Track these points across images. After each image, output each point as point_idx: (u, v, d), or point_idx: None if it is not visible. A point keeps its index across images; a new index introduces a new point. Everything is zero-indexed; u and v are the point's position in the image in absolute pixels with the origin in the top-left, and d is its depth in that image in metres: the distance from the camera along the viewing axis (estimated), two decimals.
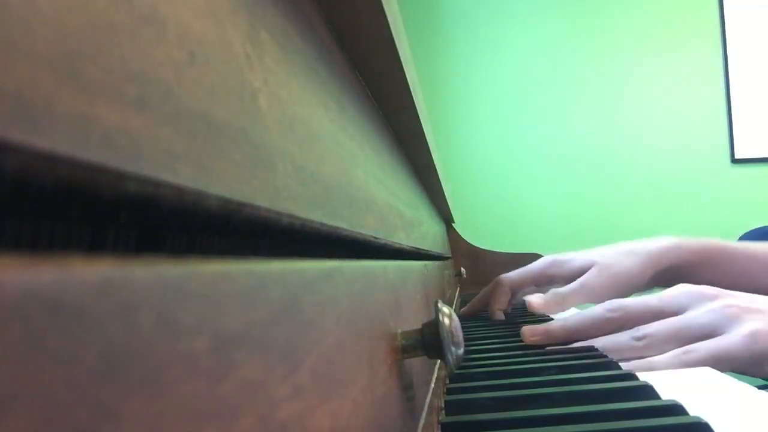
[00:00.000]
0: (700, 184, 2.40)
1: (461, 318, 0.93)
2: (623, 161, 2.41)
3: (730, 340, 0.54)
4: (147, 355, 0.09)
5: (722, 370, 0.53)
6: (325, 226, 0.22)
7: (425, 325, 0.30)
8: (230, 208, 0.14)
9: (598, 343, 0.61)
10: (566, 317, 0.67)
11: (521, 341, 0.67)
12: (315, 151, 0.22)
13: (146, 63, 0.11)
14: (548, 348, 0.63)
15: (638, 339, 0.59)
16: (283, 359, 0.14)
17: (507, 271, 0.98)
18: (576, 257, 0.92)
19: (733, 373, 0.53)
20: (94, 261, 0.08)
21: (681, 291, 0.62)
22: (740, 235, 2.28)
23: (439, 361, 0.44)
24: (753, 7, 2.43)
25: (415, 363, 0.35)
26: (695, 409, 0.37)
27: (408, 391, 0.31)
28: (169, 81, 0.11)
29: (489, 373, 0.52)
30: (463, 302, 1.22)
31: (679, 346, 0.57)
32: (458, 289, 1.40)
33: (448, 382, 0.50)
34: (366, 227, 0.31)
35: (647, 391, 0.43)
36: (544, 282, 0.95)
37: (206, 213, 0.13)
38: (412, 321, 0.38)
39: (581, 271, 0.89)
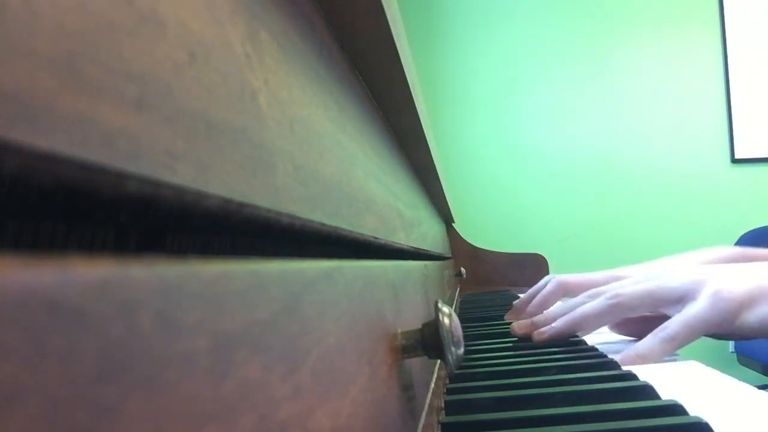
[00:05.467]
0: (700, 184, 2.40)
1: (462, 318, 0.93)
2: (623, 161, 2.41)
3: (697, 304, 0.57)
4: (147, 355, 0.09)
5: (703, 334, 0.56)
6: (325, 226, 0.22)
7: (425, 325, 0.30)
8: (230, 208, 0.14)
9: (576, 315, 0.64)
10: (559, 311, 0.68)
11: (521, 341, 0.67)
12: (315, 151, 0.22)
13: (146, 63, 0.11)
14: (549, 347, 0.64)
15: (611, 298, 0.62)
16: (283, 359, 0.14)
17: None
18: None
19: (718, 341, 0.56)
20: (94, 261, 0.08)
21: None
22: (740, 235, 2.28)
23: (439, 361, 0.44)
24: (753, 6, 2.43)
25: (415, 363, 0.35)
26: (695, 409, 0.37)
27: (408, 391, 0.31)
28: (169, 81, 0.11)
29: (489, 373, 0.52)
30: (463, 302, 1.23)
31: (651, 310, 0.61)
32: (458, 289, 1.41)
33: (448, 382, 0.50)
34: (366, 227, 0.31)
35: (647, 391, 0.43)
36: None
37: (206, 213, 0.13)
38: (412, 321, 0.38)
39: None
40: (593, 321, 0.64)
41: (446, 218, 1.64)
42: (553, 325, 0.65)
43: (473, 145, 2.43)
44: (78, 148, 0.08)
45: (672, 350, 0.57)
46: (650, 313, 0.66)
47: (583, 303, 0.66)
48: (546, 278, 0.93)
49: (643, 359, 0.57)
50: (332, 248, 0.28)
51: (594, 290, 0.67)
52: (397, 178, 0.54)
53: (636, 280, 0.65)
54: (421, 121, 0.55)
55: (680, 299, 0.59)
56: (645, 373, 0.49)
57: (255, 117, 0.16)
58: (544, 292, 0.91)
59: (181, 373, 0.09)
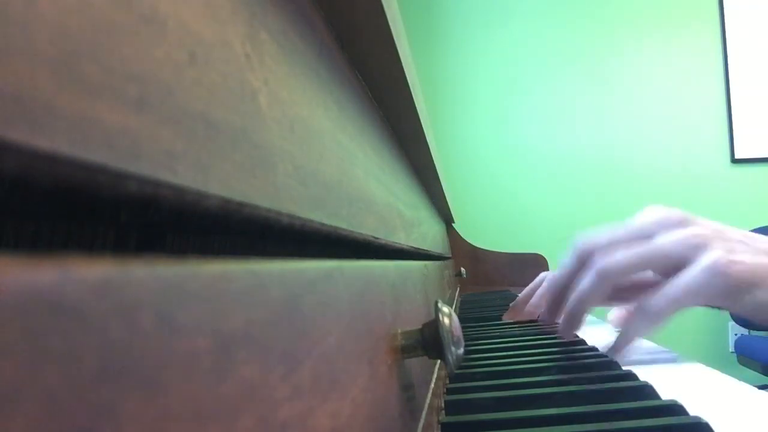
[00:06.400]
0: (700, 184, 2.40)
1: (461, 318, 0.93)
2: (623, 161, 2.41)
3: (691, 274, 0.51)
4: (147, 355, 0.09)
5: (698, 304, 0.51)
6: (325, 226, 0.22)
7: (425, 325, 0.30)
8: (230, 208, 0.14)
9: (573, 304, 0.59)
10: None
11: (521, 341, 0.67)
12: (315, 151, 0.22)
13: (146, 63, 0.11)
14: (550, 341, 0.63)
15: (600, 273, 0.56)
16: (283, 359, 0.14)
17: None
18: None
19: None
20: (94, 261, 0.08)
21: (649, 217, 0.59)
22: None
23: (439, 361, 0.44)
24: (753, 6, 2.43)
25: (415, 363, 0.35)
26: (695, 409, 0.37)
27: (408, 391, 0.31)
28: (169, 81, 0.11)
29: (489, 373, 0.52)
30: (463, 302, 1.22)
31: (645, 271, 0.56)
32: (458, 289, 1.40)
33: (448, 382, 0.50)
34: (366, 227, 0.31)
35: (647, 391, 0.43)
36: None
37: (206, 213, 0.13)
38: (412, 321, 0.38)
39: None
40: (592, 300, 0.57)
41: (446, 218, 1.64)
42: (559, 329, 0.62)
43: (473, 145, 2.43)
44: (78, 148, 0.08)
45: (661, 324, 0.52)
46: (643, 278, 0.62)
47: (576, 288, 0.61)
48: (541, 275, 0.93)
49: (631, 337, 0.53)
50: (332, 248, 0.28)
51: (585, 247, 0.60)
52: (397, 178, 0.54)
53: (628, 240, 0.59)
54: (421, 121, 0.55)
55: (675, 265, 0.53)
56: (645, 374, 0.49)
57: (255, 117, 0.16)
58: (540, 290, 0.91)
59: (181, 373, 0.09)
